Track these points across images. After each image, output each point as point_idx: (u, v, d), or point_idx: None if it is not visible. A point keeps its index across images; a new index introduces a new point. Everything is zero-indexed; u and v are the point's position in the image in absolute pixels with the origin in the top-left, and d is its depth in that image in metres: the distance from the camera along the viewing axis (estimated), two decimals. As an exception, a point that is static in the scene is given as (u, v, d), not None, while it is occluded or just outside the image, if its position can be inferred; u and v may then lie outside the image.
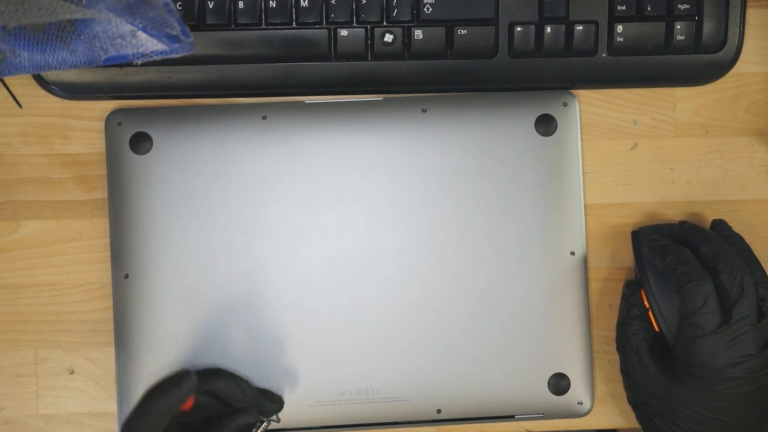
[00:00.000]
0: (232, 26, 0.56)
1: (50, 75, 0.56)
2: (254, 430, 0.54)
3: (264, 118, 0.57)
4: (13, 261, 0.58)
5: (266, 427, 0.55)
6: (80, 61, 0.46)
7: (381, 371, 0.56)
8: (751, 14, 0.60)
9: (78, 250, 0.58)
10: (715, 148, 0.60)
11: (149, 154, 0.56)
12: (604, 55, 0.57)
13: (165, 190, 0.56)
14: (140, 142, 0.56)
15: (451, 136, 0.57)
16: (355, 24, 0.56)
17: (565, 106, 0.58)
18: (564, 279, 0.57)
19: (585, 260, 0.57)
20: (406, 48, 0.57)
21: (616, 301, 0.59)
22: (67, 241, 0.58)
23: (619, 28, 0.57)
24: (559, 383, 0.57)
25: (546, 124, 0.57)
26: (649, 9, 0.57)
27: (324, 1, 0.56)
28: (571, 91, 0.58)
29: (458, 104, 0.57)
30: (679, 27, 0.57)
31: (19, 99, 0.58)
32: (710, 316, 0.51)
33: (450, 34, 0.57)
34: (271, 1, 0.56)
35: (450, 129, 0.57)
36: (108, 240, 0.57)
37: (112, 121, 0.57)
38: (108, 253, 0.57)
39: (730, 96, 0.60)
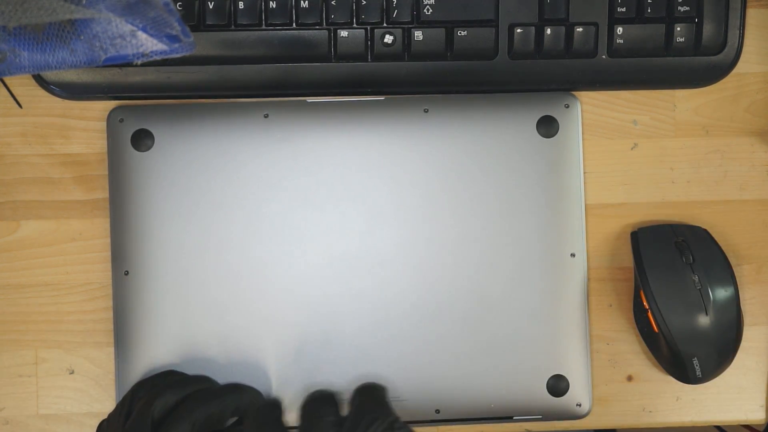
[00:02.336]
0: (232, 27, 0.56)
1: (50, 75, 0.56)
2: None
3: (266, 116, 0.57)
4: (13, 261, 0.58)
5: None
6: (80, 61, 0.46)
7: (379, 371, 0.56)
8: (751, 14, 0.60)
9: (78, 250, 0.58)
10: (715, 148, 0.60)
11: (150, 151, 0.56)
12: (604, 56, 0.57)
13: (166, 188, 0.56)
14: (142, 139, 0.56)
15: (453, 137, 0.57)
16: (355, 25, 0.56)
17: (567, 107, 0.58)
18: (564, 281, 0.57)
19: (585, 263, 0.57)
20: (406, 49, 0.57)
21: (616, 301, 0.60)
22: (67, 241, 0.58)
23: (619, 29, 0.57)
24: (557, 385, 0.57)
25: (548, 126, 0.57)
26: (649, 11, 0.56)
27: (324, 2, 0.56)
28: (571, 91, 0.58)
29: (460, 105, 0.57)
30: (679, 29, 0.57)
31: (19, 99, 0.58)
32: None
33: (450, 36, 0.56)
34: (271, 2, 0.56)
35: (452, 129, 0.57)
36: (108, 240, 0.57)
37: (114, 117, 0.57)
38: (108, 254, 0.57)
39: (730, 96, 0.60)
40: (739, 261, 0.60)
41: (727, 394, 0.60)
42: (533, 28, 0.57)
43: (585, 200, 0.58)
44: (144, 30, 0.45)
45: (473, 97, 0.58)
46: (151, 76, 0.57)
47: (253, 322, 0.56)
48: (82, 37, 0.46)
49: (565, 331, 0.57)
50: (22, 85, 0.58)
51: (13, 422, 0.58)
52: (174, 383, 0.53)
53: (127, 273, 0.56)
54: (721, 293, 0.56)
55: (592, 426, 0.59)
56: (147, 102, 0.58)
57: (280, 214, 0.56)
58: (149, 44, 0.46)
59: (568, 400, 0.57)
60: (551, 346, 0.57)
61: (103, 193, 0.58)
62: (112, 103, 0.58)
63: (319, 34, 0.56)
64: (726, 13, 0.57)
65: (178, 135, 0.56)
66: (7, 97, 0.58)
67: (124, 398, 0.52)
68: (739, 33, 0.58)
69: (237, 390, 0.54)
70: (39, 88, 0.57)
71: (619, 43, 0.57)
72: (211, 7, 0.55)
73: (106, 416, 0.52)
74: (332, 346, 0.56)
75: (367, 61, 0.57)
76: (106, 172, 0.57)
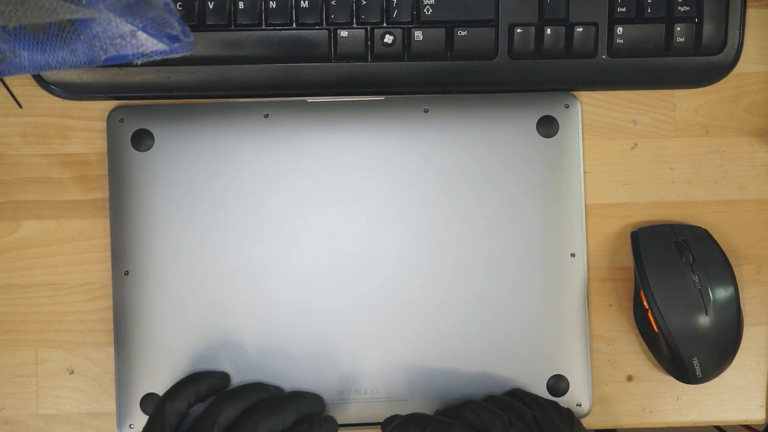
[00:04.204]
0: (232, 27, 0.56)
1: (50, 75, 0.56)
2: None
3: (266, 116, 0.57)
4: (13, 261, 0.58)
5: None
6: (80, 61, 0.46)
7: (380, 371, 0.57)
8: (751, 14, 0.60)
9: (78, 250, 0.58)
10: (715, 148, 0.60)
11: (150, 151, 0.56)
12: (604, 56, 0.57)
13: (166, 188, 0.56)
14: (142, 139, 0.56)
15: (453, 137, 0.57)
16: (355, 25, 0.56)
17: (567, 107, 0.58)
18: (564, 281, 0.57)
19: (585, 263, 0.57)
20: (406, 49, 0.57)
21: (616, 301, 0.60)
22: (67, 241, 0.58)
23: (619, 29, 0.57)
24: (557, 385, 0.57)
25: (548, 126, 0.57)
26: (649, 11, 0.56)
27: (324, 2, 0.56)
28: (571, 91, 0.58)
29: (460, 105, 0.57)
30: (679, 29, 0.57)
31: (19, 99, 0.58)
32: None
33: (450, 36, 0.57)
34: (271, 2, 0.56)
35: (452, 129, 0.57)
36: (108, 240, 0.57)
37: (114, 117, 0.57)
38: (108, 254, 0.57)
39: (730, 96, 0.60)
40: (739, 261, 0.60)
41: (727, 394, 0.60)
42: (533, 28, 0.57)
43: (585, 200, 0.58)
44: (144, 30, 0.45)
45: (473, 97, 0.58)
46: (151, 76, 0.57)
47: (252, 322, 0.56)
48: (82, 37, 0.45)
49: (565, 331, 0.57)
50: (22, 85, 0.58)
51: (13, 422, 0.58)
52: (230, 396, 0.53)
53: (127, 273, 0.56)
54: (721, 293, 0.56)
55: (592, 426, 0.59)
56: (147, 102, 0.58)
57: (280, 214, 0.56)
58: (149, 44, 0.46)
59: (568, 400, 0.57)
60: (551, 346, 0.57)
61: (103, 193, 0.58)
62: (112, 103, 0.58)
63: (319, 34, 0.56)
64: (726, 13, 0.57)
65: (178, 135, 0.56)
66: (7, 97, 0.58)
67: (155, 415, 0.52)
68: (739, 33, 0.58)
69: (297, 399, 0.54)
70: (39, 88, 0.58)
71: (619, 43, 0.57)
72: (211, 7, 0.55)
73: (106, 416, 0.52)
74: (332, 345, 0.56)
75: (367, 61, 0.57)
76: (106, 172, 0.57)
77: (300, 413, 0.54)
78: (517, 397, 0.55)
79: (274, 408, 0.52)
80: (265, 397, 0.54)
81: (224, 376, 0.56)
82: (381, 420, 0.56)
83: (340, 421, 0.57)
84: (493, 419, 0.51)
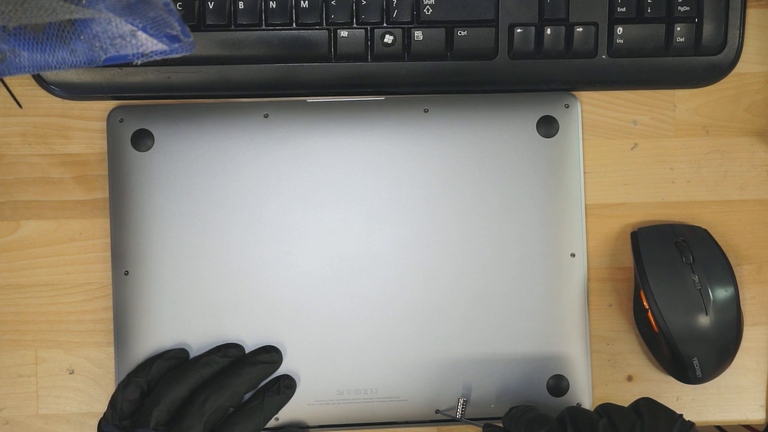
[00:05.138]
0: (232, 27, 0.56)
1: (50, 75, 0.56)
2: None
3: (266, 116, 0.57)
4: (13, 261, 0.58)
5: None
6: (80, 61, 0.46)
7: (380, 371, 0.57)
8: (751, 14, 0.60)
9: (78, 250, 0.58)
10: (715, 148, 0.60)
11: (150, 151, 0.56)
12: (604, 56, 0.57)
13: (166, 188, 0.56)
14: (142, 139, 0.56)
15: (453, 137, 0.57)
16: (355, 25, 0.56)
17: (567, 107, 0.58)
18: (564, 281, 0.57)
19: (585, 262, 0.57)
20: (406, 49, 0.57)
21: (616, 301, 0.60)
22: (67, 241, 0.58)
23: (619, 29, 0.57)
24: (557, 385, 0.57)
25: (548, 126, 0.57)
26: (649, 11, 0.56)
27: (324, 2, 0.56)
28: (571, 91, 0.58)
29: (460, 105, 0.57)
30: (679, 29, 0.57)
31: (19, 99, 0.58)
32: None
33: (450, 36, 0.57)
34: (271, 2, 0.56)
35: (452, 129, 0.57)
36: (108, 240, 0.57)
37: (114, 117, 0.57)
38: (108, 254, 0.57)
39: (730, 96, 0.60)
40: (739, 261, 0.60)
41: (727, 394, 0.60)
42: (533, 28, 0.57)
43: (585, 200, 0.58)
44: (144, 30, 0.45)
45: (473, 97, 0.58)
46: (151, 76, 0.57)
47: (252, 322, 0.56)
48: (82, 37, 0.45)
49: (565, 331, 0.57)
50: (22, 85, 0.58)
51: (13, 422, 0.58)
52: (173, 379, 0.53)
53: (127, 273, 0.56)
54: (721, 293, 0.56)
55: (592, 426, 0.59)
56: (147, 102, 0.58)
57: (280, 214, 0.56)
58: (149, 44, 0.46)
59: (568, 400, 0.57)
60: (551, 346, 0.57)
61: (103, 193, 0.58)
62: (112, 103, 0.58)
63: (319, 34, 0.56)
64: (726, 13, 0.57)
65: (178, 135, 0.56)
66: (7, 97, 0.58)
67: (109, 404, 0.53)
68: (739, 33, 0.58)
69: (243, 373, 0.54)
70: (39, 88, 0.58)
71: (619, 43, 0.57)
72: (211, 7, 0.55)
73: (104, 417, 0.52)
74: (332, 345, 0.56)
75: (367, 61, 0.57)
76: (106, 172, 0.57)
77: (249, 384, 0.54)
78: (638, 406, 0.50)
79: (219, 387, 0.52)
80: (211, 373, 0.54)
81: (178, 353, 0.56)
82: (380, 420, 0.57)
83: (340, 421, 0.57)
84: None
